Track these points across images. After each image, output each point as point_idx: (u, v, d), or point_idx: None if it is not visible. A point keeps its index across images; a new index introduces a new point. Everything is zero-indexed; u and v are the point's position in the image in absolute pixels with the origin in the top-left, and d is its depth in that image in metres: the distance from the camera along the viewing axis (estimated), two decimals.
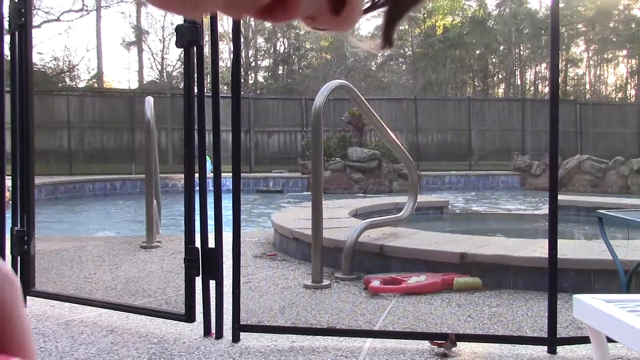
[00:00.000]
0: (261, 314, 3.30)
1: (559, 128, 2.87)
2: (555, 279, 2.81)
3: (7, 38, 3.45)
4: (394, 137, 5.14)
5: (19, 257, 3.49)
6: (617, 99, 31.04)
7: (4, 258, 3.57)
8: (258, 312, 3.32)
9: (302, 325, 3.09)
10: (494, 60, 31.90)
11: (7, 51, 3.46)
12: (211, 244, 2.96)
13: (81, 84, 24.84)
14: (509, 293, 3.82)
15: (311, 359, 2.61)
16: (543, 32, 27.09)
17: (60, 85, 22.90)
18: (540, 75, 31.50)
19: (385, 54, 31.46)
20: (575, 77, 32.73)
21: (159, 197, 6.31)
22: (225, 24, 22.25)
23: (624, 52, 30.96)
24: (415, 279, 3.90)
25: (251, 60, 27.87)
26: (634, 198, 10.28)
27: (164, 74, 27.67)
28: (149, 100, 6.05)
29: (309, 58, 30.16)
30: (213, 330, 2.93)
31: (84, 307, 3.39)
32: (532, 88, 31.64)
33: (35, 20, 20.20)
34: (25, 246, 3.47)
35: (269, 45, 30.23)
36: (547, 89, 28.11)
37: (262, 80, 29.23)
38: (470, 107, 19.57)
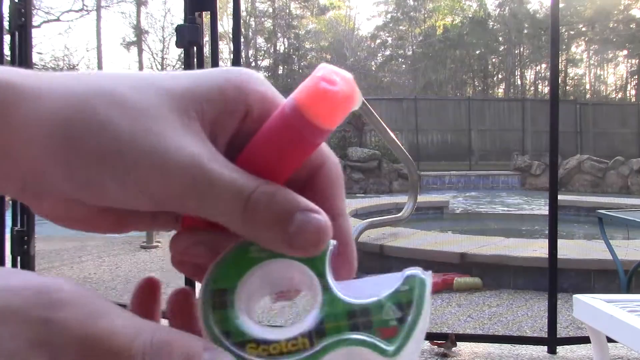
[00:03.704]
0: (261, 314, 3.30)
1: (559, 128, 2.87)
2: (555, 279, 2.81)
3: (7, 38, 3.45)
4: (394, 137, 5.14)
5: (19, 257, 3.50)
6: (617, 99, 31.06)
7: (3, 258, 3.58)
8: (258, 312, 3.32)
9: None
10: (494, 60, 31.92)
11: (7, 51, 3.46)
12: None
13: None
14: (509, 293, 3.82)
15: None
16: (543, 32, 27.11)
17: None
18: (540, 75, 31.52)
19: (386, 53, 31.50)
20: (575, 77, 32.76)
21: None
22: (225, 24, 22.28)
23: (624, 52, 30.99)
24: None
25: (251, 60, 27.89)
26: (634, 198, 10.29)
27: None
28: None
29: (309, 58, 30.18)
30: None
31: None
32: (532, 88, 31.66)
33: (35, 20, 20.23)
34: (25, 246, 3.46)
35: (269, 45, 30.26)
36: (547, 89, 28.13)
37: None
38: (470, 107, 19.58)
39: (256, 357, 0.25)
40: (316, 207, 0.26)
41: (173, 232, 0.29)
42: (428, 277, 0.27)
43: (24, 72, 0.26)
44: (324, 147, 0.29)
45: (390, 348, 0.25)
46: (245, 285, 0.27)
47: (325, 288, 0.27)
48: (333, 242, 0.28)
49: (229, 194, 0.25)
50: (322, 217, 0.25)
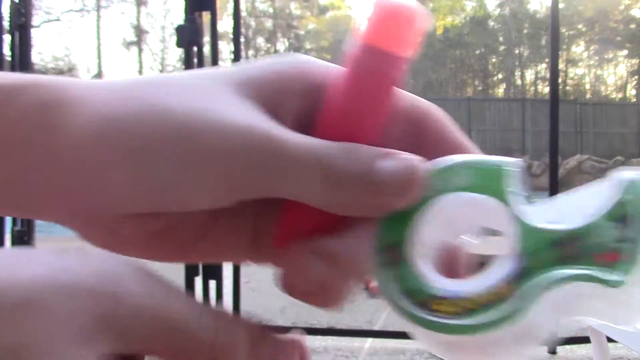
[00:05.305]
0: (261, 314, 3.30)
1: (559, 128, 2.87)
2: None
3: (7, 38, 3.45)
4: None
5: None
6: (617, 99, 31.07)
7: None
8: (258, 312, 3.32)
9: (302, 325, 3.09)
10: (493, 60, 31.94)
11: (7, 51, 3.46)
12: None
13: None
14: None
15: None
16: (543, 32, 27.13)
17: None
18: (540, 75, 31.52)
19: None
20: (575, 77, 32.77)
21: None
22: (225, 24, 22.30)
23: (624, 52, 31.01)
24: None
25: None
26: None
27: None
28: None
29: None
30: None
31: None
32: (532, 88, 31.67)
33: (35, 20, 20.23)
34: (25, 246, 3.46)
35: (269, 45, 30.28)
36: (547, 89, 28.14)
37: None
38: (470, 107, 19.59)
39: (444, 316, 0.21)
40: (398, 151, 0.23)
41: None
42: None
43: (74, 80, 0.24)
44: (406, 94, 0.26)
45: (614, 277, 0.20)
46: (416, 232, 0.22)
47: (517, 216, 0.22)
48: (515, 161, 0.23)
49: (301, 159, 0.22)
50: (407, 155, 0.22)
